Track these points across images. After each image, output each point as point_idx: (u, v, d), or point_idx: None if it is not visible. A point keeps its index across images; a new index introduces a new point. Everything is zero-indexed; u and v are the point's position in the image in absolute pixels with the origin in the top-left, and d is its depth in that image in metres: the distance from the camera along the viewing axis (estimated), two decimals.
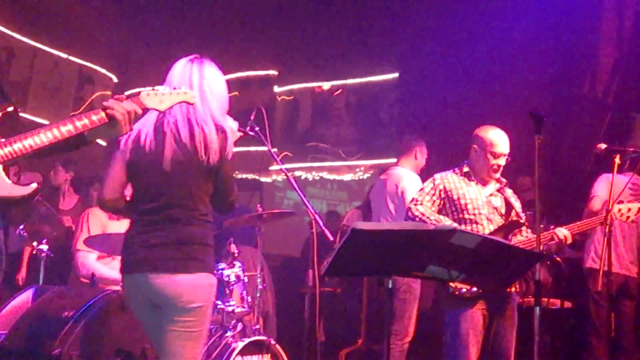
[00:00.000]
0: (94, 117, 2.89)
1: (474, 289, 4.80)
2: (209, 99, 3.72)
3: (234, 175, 3.80)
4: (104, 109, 2.92)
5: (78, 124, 2.85)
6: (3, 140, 2.76)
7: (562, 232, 4.92)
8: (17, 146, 2.76)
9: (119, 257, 5.41)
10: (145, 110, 3.09)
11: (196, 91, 3.65)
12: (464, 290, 4.84)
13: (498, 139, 5.02)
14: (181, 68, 3.78)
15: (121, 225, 5.70)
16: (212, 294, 3.68)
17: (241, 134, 4.02)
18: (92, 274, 5.29)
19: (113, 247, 5.35)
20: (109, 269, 5.65)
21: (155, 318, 3.61)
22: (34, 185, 2.80)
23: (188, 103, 3.39)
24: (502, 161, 5.02)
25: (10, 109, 2.81)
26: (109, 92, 10.78)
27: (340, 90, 10.93)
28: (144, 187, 3.70)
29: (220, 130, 3.67)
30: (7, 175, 2.76)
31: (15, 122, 2.85)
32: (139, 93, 3.14)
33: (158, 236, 3.60)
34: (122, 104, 2.95)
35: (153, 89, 3.20)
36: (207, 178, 3.67)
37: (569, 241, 4.94)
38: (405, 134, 7.46)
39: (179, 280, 3.54)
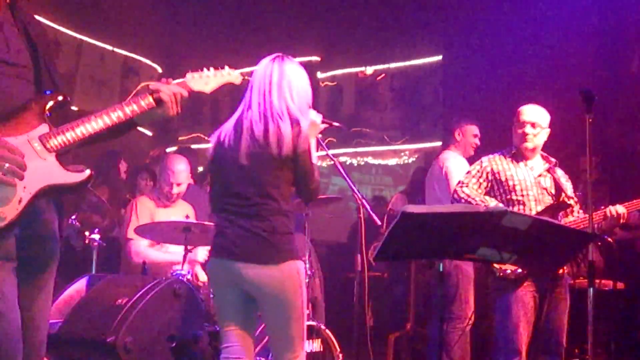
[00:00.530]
0: (142, 102, 2.92)
1: (518, 270, 4.78)
2: (287, 95, 3.89)
3: (313, 165, 3.89)
4: (151, 92, 2.96)
5: (127, 109, 2.89)
6: (55, 129, 2.79)
7: (616, 209, 4.85)
8: (70, 134, 2.79)
9: (169, 245, 5.48)
10: (192, 93, 3.10)
11: (275, 88, 3.87)
12: (509, 271, 4.81)
13: (525, 108, 5.02)
14: (263, 67, 4.00)
15: (168, 213, 5.75)
16: (301, 280, 3.85)
17: (326, 125, 4.14)
18: (143, 262, 5.35)
19: (162, 234, 5.42)
20: (162, 253, 5.72)
21: (243, 303, 3.86)
22: (88, 172, 2.83)
23: (233, 84, 3.42)
24: (527, 129, 4.97)
25: (61, 97, 2.85)
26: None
27: (383, 75, 10.88)
28: (223, 181, 3.93)
29: (295, 124, 3.82)
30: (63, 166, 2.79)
31: (66, 112, 2.88)
32: (184, 77, 3.17)
33: (243, 227, 3.80)
34: (168, 86, 2.99)
35: (198, 72, 3.24)
36: (284, 170, 3.84)
37: (623, 219, 4.86)
38: (449, 117, 7.41)
39: (268, 271, 3.76)
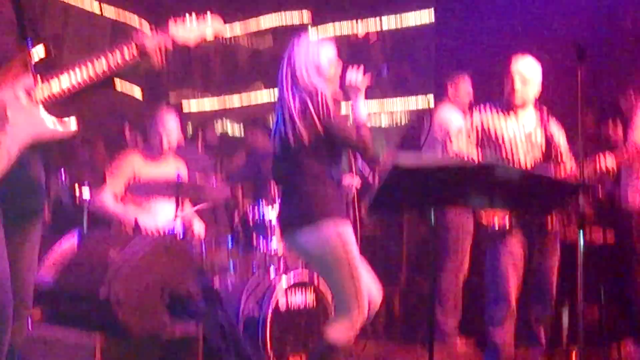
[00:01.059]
0: (126, 54, 2.90)
1: (505, 224, 4.81)
2: (309, 71, 4.04)
3: (341, 130, 4.03)
4: (135, 44, 2.93)
5: (112, 62, 2.86)
6: (40, 80, 2.77)
7: (607, 160, 4.87)
8: (56, 86, 2.78)
9: (158, 201, 5.48)
10: (176, 45, 3.06)
11: (301, 69, 4.03)
12: (496, 226, 4.85)
13: (518, 61, 4.99)
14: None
15: (159, 169, 5.73)
16: (333, 235, 3.97)
17: (368, 83, 4.18)
18: (135, 219, 5.36)
19: (154, 190, 5.42)
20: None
21: None
22: (74, 125, 2.81)
23: (220, 36, 3.39)
24: (518, 83, 4.95)
25: (44, 47, 2.82)
26: None
27: (375, 37, 10.83)
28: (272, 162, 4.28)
29: (315, 95, 3.99)
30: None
31: (53, 63, 2.86)
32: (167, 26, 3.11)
33: (284, 199, 4.21)
34: (152, 37, 2.97)
35: (180, 19, 3.16)
36: (315, 137, 4.01)
37: (613, 167, 4.89)
38: (442, 72, 7.37)
39: (301, 233, 4.02)
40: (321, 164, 4.09)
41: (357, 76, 4.15)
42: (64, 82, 2.79)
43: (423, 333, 6.34)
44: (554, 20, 7.87)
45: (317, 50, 4.13)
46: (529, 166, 4.87)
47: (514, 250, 4.92)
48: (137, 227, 5.22)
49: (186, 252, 4.43)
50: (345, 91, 4.20)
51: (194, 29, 3.17)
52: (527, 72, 4.97)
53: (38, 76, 2.78)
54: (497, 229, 4.86)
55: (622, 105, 6.40)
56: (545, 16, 8.05)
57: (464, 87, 6.57)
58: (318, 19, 11.11)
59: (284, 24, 11.42)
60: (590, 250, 5.79)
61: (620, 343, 6.01)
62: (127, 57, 2.90)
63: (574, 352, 5.70)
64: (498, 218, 4.79)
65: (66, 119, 2.82)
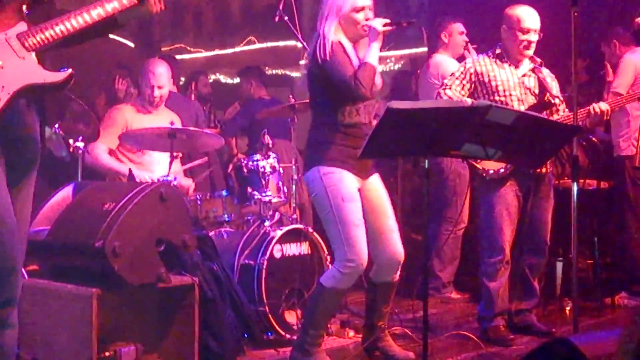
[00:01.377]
0: (87, 16, 2.80)
1: (501, 170, 4.82)
2: (325, 11, 4.26)
3: (334, 66, 4.14)
4: None
5: (108, 6, 2.80)
6: (34, 27, 2.72)
7: (599, 106, 4.87)
8: (49, 32, 2.72)
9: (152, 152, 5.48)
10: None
11: (323, 12, 4.26)
12: (491, 172, 4.86)
13: (525, 14, 4.95)
14: None
15: (152, 120, 5.70)
16: (321, 184, 4.20)
17: (389, 28, 4.22)
18: (129, 169, 5.34)
19: (147, 141, 5.40)
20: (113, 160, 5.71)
21: None
22: (68, 71, 2.78)
23: None
24: (531, 37, 4.94)
25: None
26: None
27: None
28: None
29: (317, 36, 4.20)
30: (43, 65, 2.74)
31: (46, 9, 2.81)
32: None
33: None
34: None
35: None
36: (318, 83, 4.25)
37: (607, 116, 4.89)
38: (434, 21, 7.30)
39: (305, 177, 4.35)
40: (322, 110, 4.30)
41: (380, 21, 4.19)
42: (58, 30, 2.74)
43: (419, 285, 6.39)
44: None
45: None
46: None
47: (509, 199, 4.93)
48: (131, 177, 5.21)
49: (181, 202, 4.41)
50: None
51: None
52: (538, 25, 4.95)
53: (31, 25, 2.72)
54: (493, 175, 4.86)
55: (608, 56, 6.38)
56: None
57: (458, 34, 6.52)
58: None
59: None
60: (583, 194, 5.84)
61: (614, 296, 6.05)
62: (125, 4, 2.82)
63: (568, 305, 5.75)
64: (494, 164, 4.79)
65: (62, 70, 2.79)
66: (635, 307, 5.89)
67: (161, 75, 5.75)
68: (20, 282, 2.83)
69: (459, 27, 6.53)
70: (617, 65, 6.13)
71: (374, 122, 3.92)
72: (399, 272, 4.51)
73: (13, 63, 2.66)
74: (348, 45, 4.25)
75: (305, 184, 4.40)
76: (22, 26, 2.71)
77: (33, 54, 2.71)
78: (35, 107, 2.86)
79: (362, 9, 4.25)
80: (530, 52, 4.98)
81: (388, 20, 4.22)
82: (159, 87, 5.74)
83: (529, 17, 4.94)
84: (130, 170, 5.29)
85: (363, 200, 4.31)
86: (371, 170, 4.41)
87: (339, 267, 4.21)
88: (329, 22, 4.23)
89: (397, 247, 4.41)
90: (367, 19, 4.24)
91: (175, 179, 5.18)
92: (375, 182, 4.44)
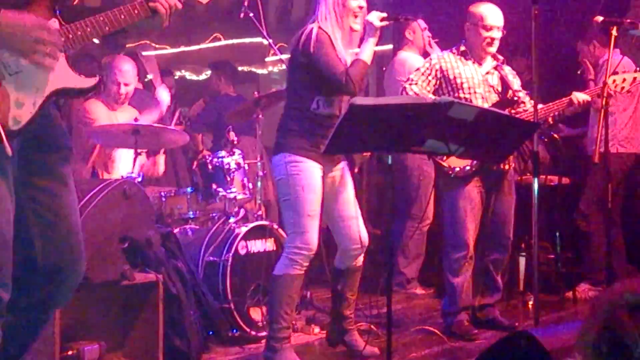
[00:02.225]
0: (137, 11, 2.75)
1: (467, 167, 4.86)
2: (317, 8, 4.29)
3: (325, 59, 4.17)
4: (147, 1, 2.78)
5: (122, 18, 2.72)
6: (66, 25, 2.62)
7: (580, 96, 4.95)
8: (81, 33, 2.63)
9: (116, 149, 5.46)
10: (185, 4, 2.91)
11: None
12: (457, 169, 4.90)
13: (488, 11, 5.01)
14: None
15: (115, 117, 5.67)
16: (285, 170, 4.27)
17: (386, 23, 4.29)
18: (93, 166, 5.32)
19: (112, 138, 5.37)
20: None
21: None
22: (96, 78, 2.72)
23: None
24: (495, 34, 4.99)
25: None
26: None
27: None
28: None
29: (311, 22, 4.25)
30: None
31: (78, 8, 2.74)
32: None
33: None
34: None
35: None
36: (301, 71, 4.28)
37: (587, 99, 4.96)
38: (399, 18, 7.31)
39: (272, 160, 4.41)
40: (298, 97, 4.33)
41: (377, 15, 4.24)
42: (89, 32, 2.65)
43: (384, 281, 6.42)
44: None
45: None
46: None
47: (472, 195, 4.98)
48: (94, 174, 5.18)
49: (145, 199, 4.40)
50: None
51: None
52: (501, 22, 5.00)
53: (63, 23, 2.63)
54: (459, 172, 4.90)
55: (585, 55, 6.42)
56: None
57: (421, 30, 6.55)
58: None
59: None
60: (545, 190, 5.91)
61: (574, 289, 6.12)
62: (136, 16, 2.75)
63: (530, 299, 5.81)
64: (460, 162, 4.83)
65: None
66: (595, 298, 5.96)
67: (127, 73, 5.73)
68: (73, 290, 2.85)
69: (420, 23, 6.56)
70: (595, 65, 6.21)
71: None
72: (362, 258, 4.56)
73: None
74: (338, 36, 4.28)
75: (272, 166, 4.45)
76: (54, 24, 2.59)
77: (64, 54, 2.61)
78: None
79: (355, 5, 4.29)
80: (493, 48, 5.04)
81: (385, 15, 4.27)
82: (125, 85, 5.71)
83: (492, 15, 4.99)
84: (94, 167, 5.27)
85: (326, 187, 4.38)
86: (338, 159, 4.46)
87: (287, 253, 4.32)
88: (324, 11, 4.27)
89: (359, 232, 4.49)
90: (360, 7, 4.28)
91: (139, 175, 5.16)
92: (341, 171, 4.50)
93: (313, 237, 4.28)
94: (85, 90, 2.74)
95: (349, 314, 4.60)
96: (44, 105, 2.58)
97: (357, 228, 4.48)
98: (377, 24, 4.23)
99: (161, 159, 5.96)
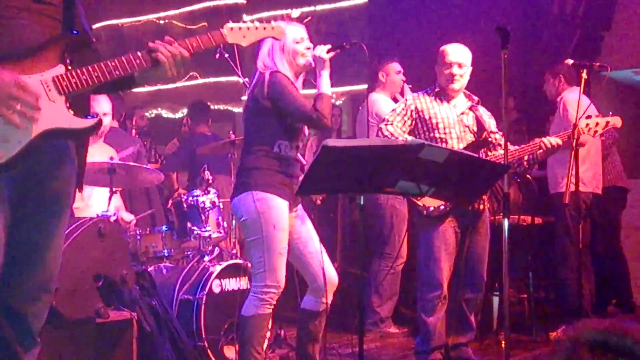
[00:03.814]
0: (138, 61, 2.80)
1: (442, 207, 4.91)
2: (266, 50, 4.38)
3: (292, 100, 4.26)
4: (149, 52, 2.83)
5: (122, 68, 2.77)
6: (71, 71, 2.71)
7: (551, 140, 5.03)
8: (84, 78, 2.70)
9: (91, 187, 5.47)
10: (208, 50, 2.97)
11: (264, 49, 4.37)
12: (432, 208, 4.94)
13: (450, 48, 5.09)
14: None
15: (91, 154, 5.66)
16: (254, 209, 4.25)
17: (332, 54, 4.41)
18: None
19: (86, 176, 5.37)
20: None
21: None
22: (96, 119, 2.79)
23: (275, 39, 3.48)
24: (455, 70, 5.04)
25: (83, 38, 2.78)
26: None
27: (309, 18, 10.85)
28: None
29: (263, 70, 4.36)
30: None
31: (89, 56, 2.79)
32: (222, 26, 3.03)
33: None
34: (167, 47, 2.84)
35: (239, 23, 3.11)
36: (264, 116, 4.33)
37: (559, 148, 5.04)
38: (373, 59, 7.43)
39: (233, 201, 4.38)
40: (257, 141, 4.37)
41: (322, 48, 4.37)
42: (94, 78, 2.72)
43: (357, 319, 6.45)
44: (482, 8, 8.01)
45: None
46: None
47: (447, 235, 5.01)
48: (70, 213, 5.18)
49: (120, 237, 4.43)
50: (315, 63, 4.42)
51: (251, 33, 3.13)
52: (464, 59, 5.07)
53: (69, 69, 2.72)
54: (433, 211, 4.95)
55: (549, 87, 6.53)
56: (474, 3, 8.19)
57: (395, 73, 6.65)
58: (252, 9, 11.11)
59: (218, 4, 11.39)
60: (518, 230, 5.97)
61: (548, 332, 6.15)
62: (136, 66, 2.80)
63: (503, 338, 5.83)
64: (435, 201, 4.88)
65: (89, 117, 2.79)
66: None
67: (103, 102, 5.75)
68: (44, 316, 2.92)
69: (395, 66, 6.65)
70: (555, 101, 6.32)
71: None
72: (331, 296, 4.55)
73: (43, 105, 2.63)
74: (293, 79, 4.39)
75: (233, 208, 4.44)
76: (59, 69, 2.70)
77: (64, 97, 2.69)
78: (72, 150, 2.87)
79: (301, 39, 4.42)
80: (456, 85, 5.07)
81: (329, 46, 4.40)
82: (104, 115, 5.73)
83: (453, 51, 5.08)
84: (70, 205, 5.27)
85: (292, 227, 4.41)
86: (298, 198, 4.49)
87: (256, 292, 4.30)
88: (276, 57, 4.37)
89: (328, 268, 4.50)
90: (307, 48, 4.40)
91: (115, 214, 5.18)
92: (301, 209, 4.54)
93: (282, 274, 4.30)
94: (82, 130, 2.78)
95: (315, 353, 4.59)
96: (32, 143, 2.62)
97: (326, 262, 4.49)
98: (325, 56, 4.36)
99: (125, 215, 5.95)
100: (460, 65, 5.05)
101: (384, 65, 6.65)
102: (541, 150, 5.04)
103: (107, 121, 5.80)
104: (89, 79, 2.72)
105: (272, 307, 4.34)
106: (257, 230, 4.27)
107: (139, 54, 2.82)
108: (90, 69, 2.72)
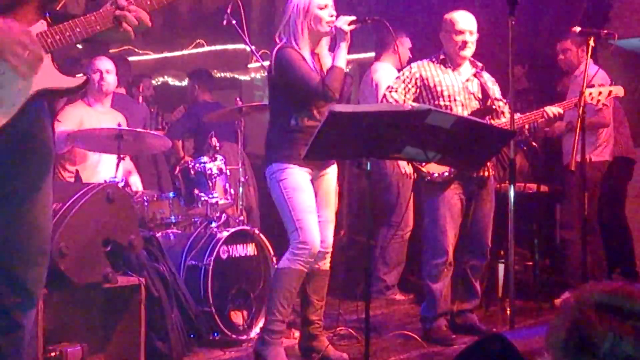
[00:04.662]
0: (102, 22, 2.72)
1: (445, 173, 4.92)
2: (288, 15, 4.40)
3: (299, 74, 4.29)
4: (115, 14, 2.73)
5: (92, 26, 2.70)
6: (53, 27, 2.65)
7: (552, 109, 5.03)
8: (68, 34, 2.65)
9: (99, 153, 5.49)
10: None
11: (285, 17, 4.42)
12: (436, 174, 4.96)
13: (458, 16, 5.09)
14: None
15: (99, 120, 5.70)
16: (274, 178, 4.42)
17: (354, 26, 4.37)
18: (77, 170, 5.35)
19: (95, 142, 5.40)
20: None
21: None
22: (83, 77, 2.77)
23: None
24: (467, 37, 5.05)
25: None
26: None
27: None
28: None
29: (280, 41, 4.38)
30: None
31: (61, 11, 2.76)
32: None
33: None
34: (134, 11, 2.76)
35: None
36: (278, 90, 4.44)
37: (560, 118, 5.05)
38: (383, 27, 7.38)
39: (265, 172, 4.54)
40: (278, 114, 4.46)
41: (345, 20, 4.34)
42: (76, 32, 2.67)
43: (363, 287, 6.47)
44: None
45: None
46: None
47: (452, 202, 5.03)
48: (78, 178, 5.21)
49: (128, 203, 4.44)
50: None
51: None
52: (473, 26, 5.07)
53: (50, 24, 2.66)
54: (437, 178, 4.96)
55: (566, 61, 6.46)
56: None
57: (406, 45, 6.62)
58: None
59: None
60: (523, 197, 5.97)
61: (553, 299, 6.17)
62: (101, 26, 2.73)
63: (509, 305, 5.86)
64: (439, 167, 4.89)
65: (78, 75, 2.77)
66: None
67: (106, 61, 5.75)
68: (44, 279, 2.91)
69: (406, 41, 6.64)
70: (571, 72, 6.28)
71: None
72: (327, 262, 4.62)
73: None
74: (307, 54, 4.38)
75: (266, 178, 4.57)
76: (42, 25, 2.63)
77: (49, 55, 2.64)
78: (47, 106, 2.85)
79: (325, 6, 4.39)
80: (467, 52, 5.09)
81: (353, 18, 4.36)
82: (107, 72, 5.73)
83: (463, 19, 5.07)
84: (77, 172, 5.30)
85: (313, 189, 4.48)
86: (326, 162, 4.55)
87: (292, 248, 4.40)
88: (298, 21, 4.36)
89: (325, 237, 4.55)
90: (331, 15, 4.37)
91: (123, 179, 5.20)
92: (328, 175, 4.60)
93: (315, 232, 4.38)
94: (71, 89, 2.77)
95: (315, 319, 4.63)
96: (26, 105, 2.61)
97: (327, 233, 4.56)
98: (346, 28, 4.33)
99: (135, 179, 5.97)
100: (471, 33, 5.05)
101: (401, 36, 6.61)
102: (542, 119, 5.05)
103: (112, 79, 5.80)
104: (72, 35, 2.66)
105: (306, 265, 4.40)
106: (280, 195, 4.42)
107: (104, 15, 2.73)
108: (72, 24, 2.66)
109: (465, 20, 5.06)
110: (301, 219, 4.37)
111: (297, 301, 5.26)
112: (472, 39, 5.06)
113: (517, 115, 4.93)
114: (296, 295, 4.56)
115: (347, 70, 4.58)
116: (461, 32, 5.04)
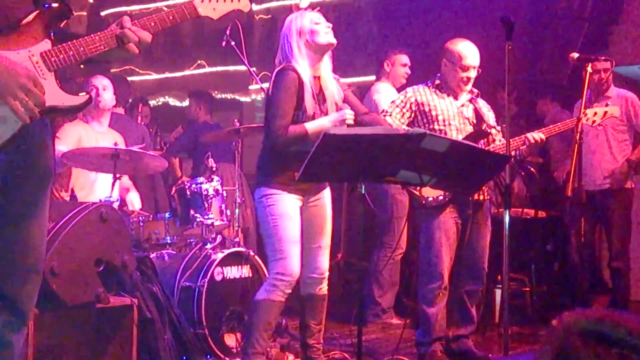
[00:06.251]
0: (104, 42, 2.72)
1: (440, 197, 4.90)
2: (285, 39, 4.41)
3: (276, 104, 4.28)
4: (117, 33, 2.74)
5: (95, 45, 2.71)
6: (57, 46, 2.65)
7: (532, 135, 5.01)
8: (72, 53, 2.65)
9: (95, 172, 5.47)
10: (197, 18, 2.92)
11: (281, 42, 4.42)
12: (430, 199, 4.94)
13: (466, 51, 5.05)
14: None
15: (97, 139, 5.69)
16: (261, 203, 4.42)
17: (351, 122, 4.30)
18: (72, 189, 5.34)
19: (91, 161, 5.38)
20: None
21: None
22: (86, 96, 2.76)
23: (242, 12, 3.37)
24: (471, 73, 5.04)
25: (65, 11, 2.70)
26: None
27: (318, 8, 10.81)
28: None
29: (279, 63, 4.38)
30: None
31: (65, 31, 2.75)
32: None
33: None
34: (135, 31, 2.76)
35: None
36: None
37: (542, 138, 5.02)
38: (381, 50, 7.41)
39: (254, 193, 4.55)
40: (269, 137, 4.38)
41: (350, 115, 4.31)
42: (81, 52, 2.67)
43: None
44: (490, 2, 7.96)
45: (300, 18, 4.42)
46: None
47: (448, 226, 5.01)
48: (73, 197, 5.20)
49: (122, 223, 4.43)
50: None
51: (220, 6, 2.99)
52: (478, 61, 5.05)
53: (55, 43, 2.66)
54: (432, 202, 4.95)
55: (599, 80, 6.39)
56: None
57: (400, 65, 6.64)
58: None
59: None
60: (521, 223, 5.95)
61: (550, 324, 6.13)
62: (105, 46, 2.73)
63: (504, 331, 5.83)
64: (433, 192, 4.88)
65: (81, 93, 2.76)
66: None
67: (101, 78, 5.75)
68: (35, 296, 2.87)
69: (402, 58, 6.64)
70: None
71: None
72: (325, 286, 4.60)
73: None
74: (306, 77, 4.35)
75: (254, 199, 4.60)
76: (46, 44, 2.65)
77: (53, 74, 2.65)
78: (49, 126, 2.83)
79: (320, 21, 4.45)
80: (469, 87, 5.10)
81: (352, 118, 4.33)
82: (104, 89, 5.73)
83: (471, 55, 5.04)
84: (72, 190, 5.29)
85: (303, 216, 4.43)
86: (318, 188, 4.53)
87: (270, 279, 4.38)
88: (293, 43, 4.37)
89: (321, 263, 4.54)
90: (328, 27, 4.42)
91: (117, 199, 5.19)
92: (321, 200, 4.57)
93: (294, 263, 4.34)
94: (74, 108, 2.76)
95: (313, 343, 4.61)
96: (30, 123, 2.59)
97: (322, 259, 4.55)
98: (348, 120, 4.27)
99: (133, 196, 5.96)
100: (475, 68, 5.04)
101: (390, 55, 6.64)
102: (524, 146, 5.03)
103: (108, 96, 5.79)
104: (76, 54, 2.67)
105: (284, 296, 4.37)
106: (265, 222, 4.40)
107: (108, 35, 2.74)
108: (76, 43, 2.68)
109: (472, 56, 5.03)
110: (284, 250, 4.34)
111: (294, 324, 5.27)
112: (475, 74, 5.06)
113: (499, 143, 4.94)
114: (275, 325, 4.58)
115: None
116: (467, 69, 5.03)
